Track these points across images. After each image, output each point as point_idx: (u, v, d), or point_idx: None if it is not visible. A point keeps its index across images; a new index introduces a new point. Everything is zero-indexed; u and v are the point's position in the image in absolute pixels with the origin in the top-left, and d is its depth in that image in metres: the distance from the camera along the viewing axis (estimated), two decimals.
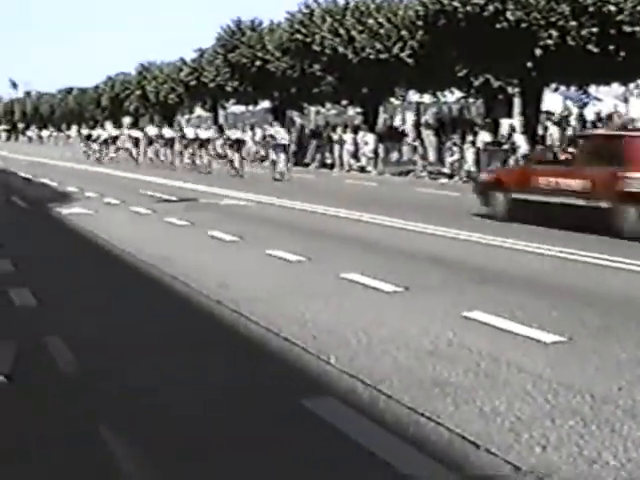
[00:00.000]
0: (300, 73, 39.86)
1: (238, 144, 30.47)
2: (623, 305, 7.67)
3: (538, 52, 26.22)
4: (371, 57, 35.01)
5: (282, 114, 46.87)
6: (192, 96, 56.36)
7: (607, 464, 3.95)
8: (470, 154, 27.39)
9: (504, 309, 7.19)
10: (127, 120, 52.91)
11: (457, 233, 12.59)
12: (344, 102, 42.68)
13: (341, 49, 36.29)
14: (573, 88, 31.68)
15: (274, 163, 27.87)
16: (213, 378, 5.40)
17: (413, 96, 39.66)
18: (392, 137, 34.40)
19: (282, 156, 27.65)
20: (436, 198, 20.84)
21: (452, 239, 12.24)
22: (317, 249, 11.09)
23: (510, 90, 31.66)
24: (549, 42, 25.97)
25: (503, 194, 14.93)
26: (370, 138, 33.71)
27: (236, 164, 29.29)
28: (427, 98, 39.55)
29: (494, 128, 29.12)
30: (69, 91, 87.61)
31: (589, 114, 32.07)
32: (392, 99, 40.51)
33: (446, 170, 28.54)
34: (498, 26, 26.51)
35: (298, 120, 48.06)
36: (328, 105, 46.10)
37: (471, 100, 38.15)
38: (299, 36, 38.72)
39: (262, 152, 31.24)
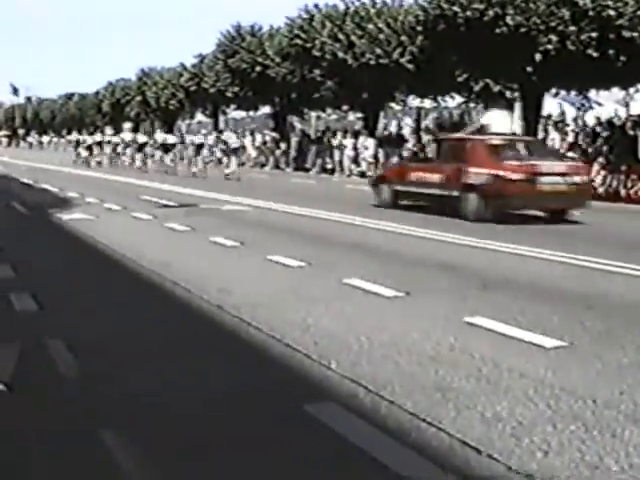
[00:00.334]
0: (300, 78, 39.93)
1: (199, 148, 34.91)
2: (624, 309, 7.67)
3: (538, 57, 26.25)
4: (371, 62, 35.08)
5: (282, 119, 46.97)
6: (192, 102, 56.45)
7: (609, 469, 3.95)
8: None
9: (505, 314, 7.19)
10: (127, 126, 53.19)
11: (457, 238, 12.60)
12: (344, 107, 42.75)
13: (341, 54, 36.34)
14: (573, 93, 31.69)
15: (225, 164, 32.24)
16: (214, 383, 5.40)
17: (413, 101, 39.69)
18: (392, 142, 34.44)
19: (233, 158, 31.94)
20: None
21: (452, 244, 12.24)
22: (318, 254, 11.09)
23: (510, 95, 31.70)
24: (549, 47, 26.01)
25: (387, 186, 18.58)
26: (370, 143, 33.76)
27: (199, 166, 33.65)
28: (427, 103, 39.58)
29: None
30: (70, 97, 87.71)
31: (590, 119, 32.06)
32: (392, 104, 40.53)
33: None
34: (498, 31, 26.55)
35: (298, 125, 48.12)
36: (328, 110, 46.16)
37: (471, 105, 38.19)
38: (299, 41, 38.79)
39: (218, 154, 34.64)
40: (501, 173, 15.88)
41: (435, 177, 16.96)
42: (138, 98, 64.55)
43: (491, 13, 26.75)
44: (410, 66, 33.51)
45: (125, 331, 6.83)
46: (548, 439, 4.30)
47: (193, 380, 5.43)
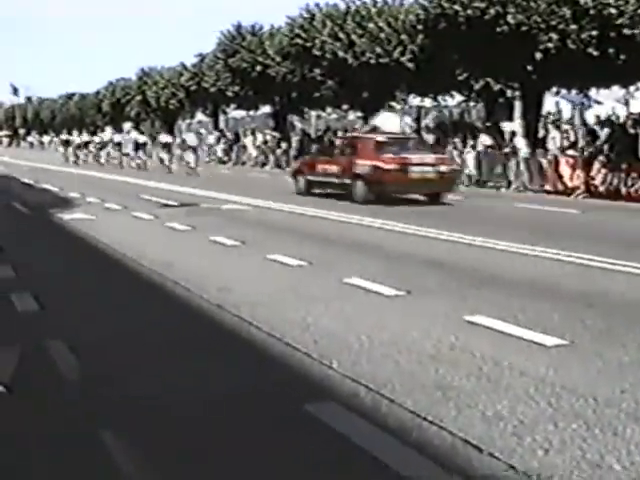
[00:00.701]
0: (301, 78, 39.92)
1: (168, 146, 38.06)
2: (624, 307, 7.66)
3: (538, 55, 26.24)
4: (371, 61, 35.06)
5: (283, 119, 46.98)
6: (193, 101, 56.43)
7: (610, 467, 3.94)
8: (471, 158, 27.40)
9: (506, 313, 7.19)
10: (128, 125, 53.48)
11: (458, 237, 12.59)
12: (345, 106, 42.73)
13: (341, 53, 36.33)
14: (574, 91, 31.67)
15: (186, 161, 35.22)
16: (214, 383, 5.39)
17: (414, 100, 39.67)
18: None
19: (192, 156, 35.08)
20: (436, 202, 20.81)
21: (451, 242, 12.24)
22: (318, 253, 11.09)
23: (511, 93, 31.69)
24: (549, 45, 25.99)
25: (302, 177, 22.19)
26: None
27: (166, 162, 36.43)
28: (428, 102, 39.56)
29: (495, 132, 29.12)
30: (70, 96, 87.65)
31: (589, 117, 32.06)
32: (393, 103, 40.52)
33: None
34: (499, 30, 26.53)
35: (299, 125, 48.14)
36: (329, 109, 46.14)
37: (472, 104, 38.18)
38: (299, 41, 38.78)
39: (178, 151, 37.78)
40: (379, 164, 19.49)
41: (334, 168, 20.71)
42: (138, 98, 64.51)
43: (492, 12, 26.73)
44: (410, 65, 33.50)
45: (126, 331, 6.83)
46: (549, 437, 4.30)
47: (193, 380, 5.42)
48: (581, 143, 25.27)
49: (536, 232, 13.37)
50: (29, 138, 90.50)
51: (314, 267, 9.95)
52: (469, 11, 27.32)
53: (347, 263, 10.27)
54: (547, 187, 24.17)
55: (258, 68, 44.67)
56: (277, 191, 22.55)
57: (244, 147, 43.17)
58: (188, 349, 6.23)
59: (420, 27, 30.74)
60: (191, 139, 38.03)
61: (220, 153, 46.12)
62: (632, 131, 24.29)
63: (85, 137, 48.98)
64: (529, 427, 4.45)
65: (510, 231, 13.40)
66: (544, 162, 24.68)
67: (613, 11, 24.78)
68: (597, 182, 22.65)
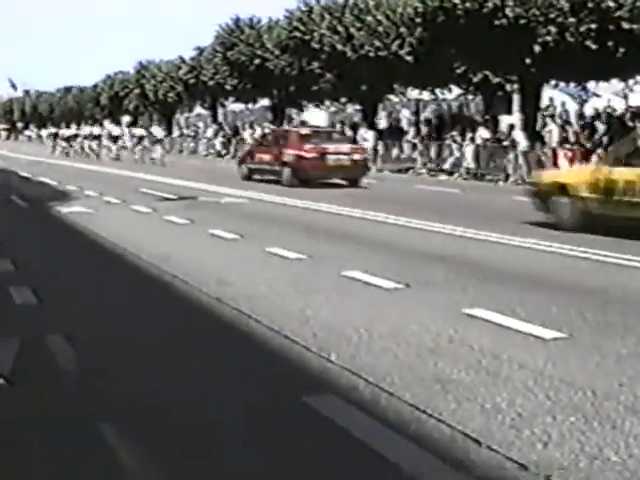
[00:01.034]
0: (299, 71, 39.88)
1: (116, 139, 43.29)
2: (623, 300, 7.67)
3: (537, 48, 26.21)
4: (370, 54, 35.01)
5: (281, 112, 46.92)
6: (191, 94, 56.34)
7: (609, 460, 3.95)
8: (469, 151, 27.41)
9: (505, 306, 7.20)
10: (126, 119, 53.68)
11: (455, 229, 12.60)
12: (343, 99, 42.68)
13: (340, 46, 36.28)
14: (572, 84, 31.65)
15: (152, 153, 38.32)
16: (214, 376, 5.40)
17: (412, 93, 39.63)
18: (391, 134, 34.41)
19: (158, 148, 38.35)
20: (435, 195, 20.85)
21: (451, 236, 12.25)
22: (317, 246, 11.09)
23: (509, 87, 31.66)
24: (548, 38, 25.96)
25: (245, 165, 26.08)
26: (370, 135, 33.70)
27: (137, 155, 39.93)
28: (426, 95, 39.52)
29: (493, 125, 29.12)
30: (68, 90, 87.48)
31: (588, 110, 32.04)
32: (391, 96, 40.48)
33: (446, 167, 28.55)
34: (497, 23, 26.50)
35: (297, 118, 48.10)
36: (327, 103, 46.08)
37: (470, 97, 38.14)
38: (298, 34, 38.74)
39: (146, 144, 40.12)
40: (302, 153, 23.22)
41: (268, 157, 24.40)
42: (136, 91, 64.39)
43: (490, 5, 26.70)
44: (409, 58, 33.43)
45: (124, 324, 6.83)
46: (548, 430, 4.30)
47: (192, 374, 5.43)
48: (572, 139, 25.27)
49: (534, 225, 13.37)
50: (27, 132, 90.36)
51: (313, 260, 9.95)
52: (467, 4, 27.28)
53: (346, 256, 10.28)
54: None
55: (256, 61, 44.62)
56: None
57: (242, 140, 43.17)
58: (187, 342, 6.23)
59: (418, 20, 30.69)
60: (157, 132, 41.26)
61: (219, 146, 46.11)
62: (631, 124, 24.30)
63: (73, 130, 52.12)
64: (528, 420, 4.46)
65: (509, 224, 13.40)
66: (542, 155, 24.69)
67: (612, 4, 24.76)
68: None
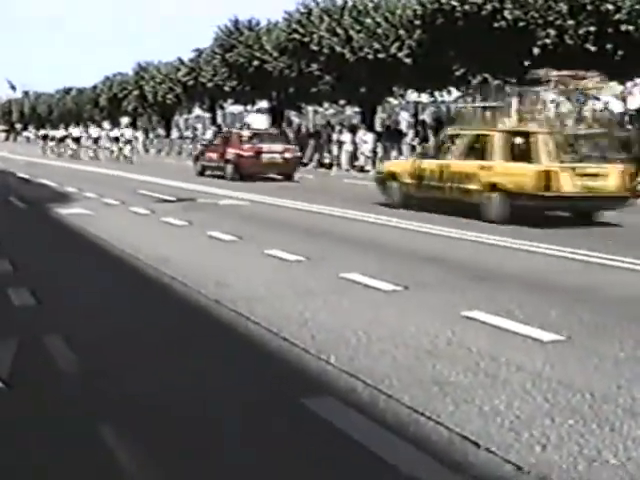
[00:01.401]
0: (298, 73, 39.89)
1: (96, 140, 47.76)
2: (621, 303, 7.67)
3: (536, 51, 26.26)
4: (369, 56, 35.04)
5: (280, 114, 46.91)
6: (190, 96, 56.38)
7: (607, 463, 3.95)
8: None
9: (503, 308, 7.20)
10: (125, 120, 53.95)
11: (453, 232, 12.61)
12: (342, 102, 42.70)
13: (339, 49, 36.31)
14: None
15: (124, 152, 43.01)
16: (212, 378, 5.39)
17: (411, 95, 39.64)
18: (390, 136, 34.41)
19: (128, 147, 43.43)
20: None
21: (449, 238, 12.25)
22: (316, 249, 11.09)
23: (510, 90, 31.63)
24: (547, 41, 26.02)
25: (198, 162, 30.21)
26: (369, 137, 33.70)
27: (91, 153, 46.43)
28: (425, 97, 39.53)
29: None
30: (67, 91, 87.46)
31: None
32: (390, 98, 40.50)
33: None
34: (496, 25, 26.56)
35: (296, 120, 48.11)
36: (326, 105, 46.10)
37: (469, 99, 38.14)
38: (297, 36, 38.76)
39: (120, 144, 44.23)
40: (240, 152, 27.22)
41: (215, 156, 28.42)
42: (135, 92, 64.42)
43: (489, 7, 26.75)
44: (408, 60, 33.47)
45: (123, 326, 6.83)
46: (546, 433, 4.31)
47: (191, 376, 5.42)
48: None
49: (533, 228, 13.37)
50: (25, 133, 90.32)
51: (311, 262, 9.95)
52: (466, 6, 27.34)
53: (344, 258, 10.28)
54: None
55: (255, 63, 44.64)
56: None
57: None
58: (186, 344, 6.23)
59: (417, 22, 30.75)
60: (128, 134, 46.04)
61: None
62: (629, 127, 24.29)
63: (62, 132, 55.18)
64: (526, 422, 4.46)
65: (506, 227, 13.41)
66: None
67: (610, 7, 24.81)
68: None
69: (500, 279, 9.00)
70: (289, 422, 4.57)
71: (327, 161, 35.72)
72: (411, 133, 34.78)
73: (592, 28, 25.31)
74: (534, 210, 14.29)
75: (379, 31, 34.83)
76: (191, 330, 6.71)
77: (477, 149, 15.68)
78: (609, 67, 25.67)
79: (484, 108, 17.47)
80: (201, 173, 29.09)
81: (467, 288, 8.29)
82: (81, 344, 6.08)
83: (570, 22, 25.55)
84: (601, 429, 4.37)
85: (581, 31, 25.49)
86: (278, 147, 28.00)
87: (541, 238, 12.05)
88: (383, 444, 4.15)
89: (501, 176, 14.66)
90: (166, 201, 18.49)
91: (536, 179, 14.08)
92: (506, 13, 26.32)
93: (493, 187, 14.62)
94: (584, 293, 8.19)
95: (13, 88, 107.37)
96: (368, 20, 35.51)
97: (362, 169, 32.13)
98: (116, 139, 45.06)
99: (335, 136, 35.22)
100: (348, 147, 34.15)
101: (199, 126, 54.31)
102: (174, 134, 57.84)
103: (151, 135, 59.46)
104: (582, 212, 14.93)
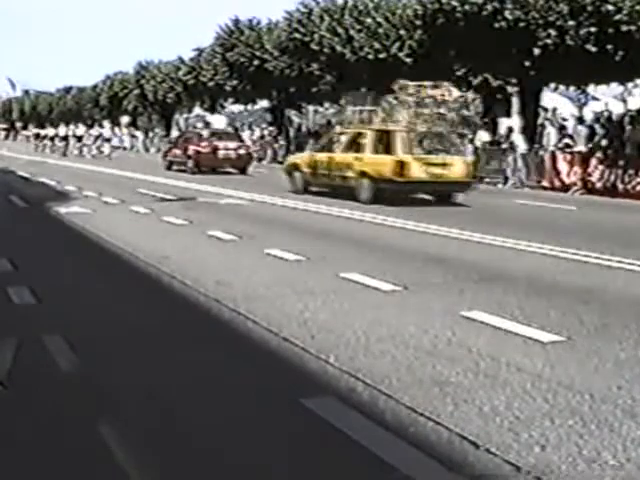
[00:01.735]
0: (298, 72, 39.91)
1: (80, 138, 50.85)
2: (621, 304, 7.68)
3: (536, 51, 26.26)
4: (369, 56, 35.04)
5: (280, 113, 46.92)
6: (190, 95, 56.39)
7: (606, 463, 3.96)
8: (468, 154, 27.36)
9: (503, 308, 7.20)
10: (125, 119, 54.10)
11: (452, 232, 12.61)
12: (342, 101, 42.63)
13: (339, 48, 36.32)
14: (571, 88, 31.66)
15: (103, 149, 47.44)
16: (211, 377, 5.39)
17: None
18: None
19: (106, 145, 47.71)
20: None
21: (448, 238, 12.26)
22: (315, 248, 11.09)
23: (509, 89, 31.68)
24: (547, 41, 26.01)
25: (167, 158, 33.78)
26: None
27: (93, 151, 48.15)
28: None
29: (492, 128, 29.11)
30: (67, 90, 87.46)
31: (587, 113, 32.07)
32: (389, 98, 40.42)
33: None
34: (496, 25, 26.55)
35: (296, 119, 48.11)
36: (326, 104, 46.09)
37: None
38: (297, 35, 38.76)
39: (98, 142, 48.75)
40: (198, 149, 31.39)
41: (179, 152, 32.46)
42: (136, 92, 64.41)
43: (490, 7, 26.75)
44: (408, 60, 33.45)
45: (123, 325, 6.83)
46: (546, 433, 4.31)
47: (190, 374, 5.43)
48: (571, 142, 25.28)
49: (533, 228, 13.39)
50: (25, 132, 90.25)
51: (311, 261, 9.95)
52: (467, 7, 27.33)
53: (344, 257, 10.28)
54: (544, 183, 24.20)
55: (256, 62, 44.65)
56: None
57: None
58: (185, 343, 6.23)
59: (418, 22, 30.74)
60: (107, 133, 50.57)
61: None
62: (629, 127, 24.30)
63: (51, 131, 59.30)
64: (526, 423, 4.46)
65: (507, 226, 13.42)
66: (542, 158, 24.70)
67: (611, 7, 24.80)
68: (594, 178, 22.67)
69: (500, 279, 9.00)
70: (288, 422, 4.57)
71: None
72: None
73: (593, 29, 25.30)
74: (395, 193, 17.84)
75: (380, 31, 34.83)
76: (191, 329, 6.71)
77: (354, 144, 19.34)
78: (609, 68, 25.75)
79: (360, 112, 20.62)
80: (168, 167, 32.75)
81: (467, 288, 8.29)
82: (80, 343, 6.08)
83: (571, 23, 25.54)
84: (600, 430, 4.37)
85: (582, 32, 25.47)
86: (232, 144, 32.14)
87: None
88: (382, 444, 4.15)
89: (369, 165, 18.36)
90: (166, 200, 18.48)
91: (392, 167, 17.82)
92: (507, 13, 26.31)
93: (363, 174, 18.32)
94: (584, 294, 8.18)
95: (13, 86, 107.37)
96: (369, 20, 35.51)
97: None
98: (95, 138, 49.76)
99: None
100: None
101: (200, 125, 54.26)
102: (174, 133, 57.83)
103: (151, 134, 59.52)
104: (439, 195, 18.47)
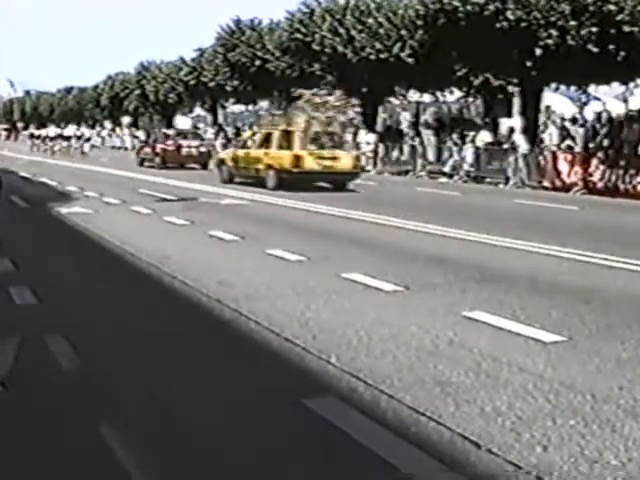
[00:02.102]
0: (300, 72, 39.87)
1: (67, 138, 55.06)
2: (623, 304, 7.67)
3: (538, 51, 26.23)
4: (371, 57, 35.01)
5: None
6: (192, 95, 56.36)
7: (608, 464, 3.95)
8: (469, 154, 27.40)
9: (504, 309, 7.20)
10: (126, 119, 54.28)
11: (453, 231, 12.60)
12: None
13: (341, 49, 36.28)
14: (573, 88, 31.65)
15: (83, 148, 51.60)
16: (213, 377, 5.39)
17: (413, 96, 39.61)
18: (392, 136, 34.39)
19: (86, 144, 52.56)
20: (435, 197, 20.86)
21: (450, 238, 12.24)
22: (317, 248, 11.09)
23: (510, 89, 31.66)
24: (549, 41, 25.98)
25: (140, 155, 37.84)
26: (371, 138, 33.68)
27: (63, 149, 52.38)
28: (427, 98, 39.50)
29: (493, 128, 29.09)
30: (69, 90, 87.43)
31: (588, 113, 32.04)
32: (392, 98, 40.48)
33: (446, 169, 28.54)
34: (498, 25, 26.52)
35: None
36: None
37: (470, 100, 38.14)
38: (299, 35, 38.73)
39: (80, 141, 53.40)
40: (165, 147, 35.64)
41: (149, 150, 36.62)
42: (137, 92, 64.37)
43: (491, 7, 26.72)
44: (410, 60, 33.43)
45: (124, 325, 6.83)
46: (548, 434, 4.30)
47: (192, 375, 5.43)
48: (572, 142, 25.27)
49: (535, 228, 13.38)
50: (26, 132, 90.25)
51: (313, 262, 9.95)
52: (468, 7, 27.30)
53: (345, 258, 10.27)
54: (545, 183, 24.19)
55: (257, 63, 44.63)
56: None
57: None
58: (186, 343, 6.23)
59: (419, 22, 30.71)
60: (87, 133, 55.83)
61: (219, 148, 46.07)
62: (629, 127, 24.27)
63: (43, 131, 62.65)
64: (527, 423, 4.46)
65: (509, 227, 13.41)
66: (543, 158, 24.69)
67: (612, 7, 24.77)
68: (595, 178, 22.66)
69: (501, 279, 8.99)
70: (289, 422, 4.57)
71: None
72: (412, 133, 34.75)
73: (594, 29, 25.26)
74: (294, 181, 21.33)
75: (381, 31, 34.78)
76: (192, 329, 6.71)
77: (264, 142, 23.32)
78: (611, 68, 25.73)
79: (272, 115, 25.45)
80: (141, 164, 36.50)
81: (468, 288, 8.28)
82: (82, 343, 6.08)
83: (572, 23, 25.51)
84: (602, 430, 4.37)
85: (583, 32, 25.43)
86: (195, 143, 36.52)
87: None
88: (384, 444, 4.14)
89: (274, 159, 22.37)
90: (167, 200, 18.48)
91: (290, 160, 21.89)
92: (508, 13, 26.28)
93: (269, 166, 22.34)
94: (586, 294, 8.17)
95: (14, 87, 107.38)
96: (370, 20, 35.46)
97: (363, 169, 32.05)
98: (78, 137, 54.83)
99: None
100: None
101: (201, 125, 54.30)
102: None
103: (152, 135, 59.46)
104: (333, 183, 22.12)
